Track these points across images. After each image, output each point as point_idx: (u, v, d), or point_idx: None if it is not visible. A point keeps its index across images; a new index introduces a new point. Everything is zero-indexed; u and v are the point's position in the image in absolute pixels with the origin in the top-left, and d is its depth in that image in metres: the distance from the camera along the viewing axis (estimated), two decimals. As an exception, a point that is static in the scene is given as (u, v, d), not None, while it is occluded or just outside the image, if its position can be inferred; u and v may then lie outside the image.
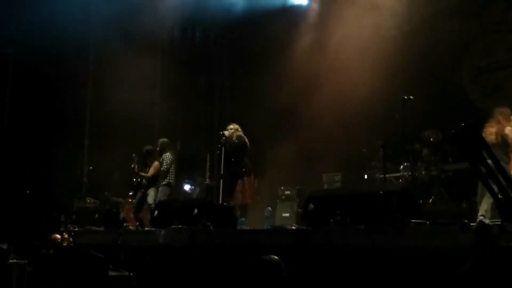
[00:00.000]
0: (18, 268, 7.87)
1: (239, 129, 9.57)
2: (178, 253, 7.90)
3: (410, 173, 9.91)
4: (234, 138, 9.47)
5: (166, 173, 10.76)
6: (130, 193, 11.49)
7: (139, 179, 10.72)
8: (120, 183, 13.21)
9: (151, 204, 10.28)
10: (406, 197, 6.09)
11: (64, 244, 8.83)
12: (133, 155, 10.80)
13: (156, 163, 10.72)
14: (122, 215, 10.86)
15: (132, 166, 10.73)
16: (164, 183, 10.73)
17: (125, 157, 12.85)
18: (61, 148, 13.96)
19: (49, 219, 11.12)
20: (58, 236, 8.94)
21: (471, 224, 5.52)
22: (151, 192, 10.61)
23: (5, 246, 8.12)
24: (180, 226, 8.10)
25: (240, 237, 7.38)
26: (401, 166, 10.18)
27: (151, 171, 10.66)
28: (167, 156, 10.79)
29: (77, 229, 10.12)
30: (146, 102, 14.61)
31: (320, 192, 7.64)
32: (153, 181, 10.66)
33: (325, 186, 11.12)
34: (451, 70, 11.04)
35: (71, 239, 9.08)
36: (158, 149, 10.99)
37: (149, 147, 10.93)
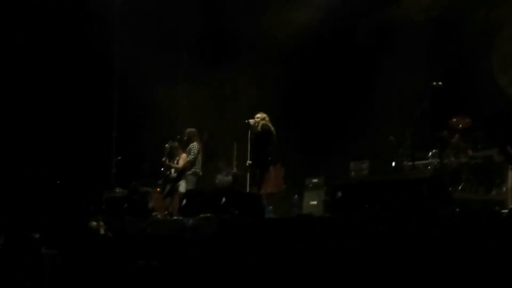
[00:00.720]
0: (50, 258, 7.96)
1: (267, 118, 9.54)
2: (206, 242, 7.91)
3: (438, 160, 9.78)
4: (259, 127, 9.46)
5: (192, 162, 10.81)
6: (159, 182, 11.54)
7: (168, 172, 10.78)
8: (149, 173, 13.27)
9: (182, 193, 10.33)
10: (435, 184, 6.00)
11: (102, 233, 8.93)
12: (166, 145, 10.87)
13: (184, 155, 10.76)
14: (150, 205, 10.92)
15: (163, 159, 10.79)
16: (190, 172, 10.79)
17: (153, 147, 12.94)
18: (90, 139, 14.10)
19: (80, 209, 11.25)
20: (94, 223, 9.05)
21: (502, 211, 5.42)
22: (183, 183, 10.68)
23: (37, 236, 8.22)
24: (208, 215, 8.11)
25: (268, 225, 7.36)
26: (430, 153, 10.05)
27: (181, 162, 10.73)
28: (194, 145, 10.85)
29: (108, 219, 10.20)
30: (173, 92, 14.65)
31: (347, 180, 7.59)
32: (183, 173, 10.72)
33: (352, 174, 11.05)
34: (480, 56, 10.85)
35: (106, 227, 9.18)
36: (185, 138, 11.04)
37: (174, 143, 10.95)
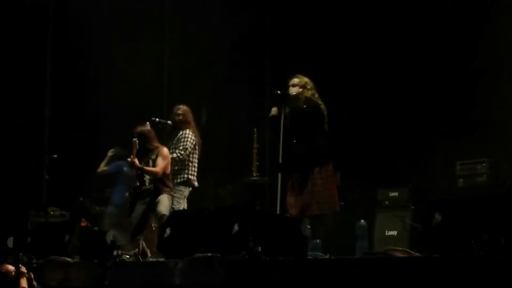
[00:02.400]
0: None
1: (309, 85, 9.49)
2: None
3: None
4: (300, 102, 9.44)
5: (183, 163, 10.82)
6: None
7: (138, 180, 10.75)
8: (106, 182, 13.34)
9: (164, 215, 10.34)
10: None
11: (23, 285, 9.00)
12: (134, 140, 10.80)
13: (164, 150, 10.74)
14: (111, 236, 10.98)
15: (130, 159, 10.72)
16: (180, 180, 10.84)
17: (113, 136, 12.98)
18: (6, 123, 14.21)
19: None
20: (11, 268, 9.10)
21: None
22: (164, 198, 10.66)
23: None
24: (209, 254, 8.16)
25: (315, 270, 7.39)
26: None
27: (159, 163, 10.67)
28: (186, 135, 10.88)
29: (35, 260, 10.26)
30: (150, 49, 14.75)
31: (451, 194, 7.57)
32: (164, 181, 10.72)
33: (461, 182, 11.05)
34: None
35: (32, 277, 9.23)
36: (169, 122, 11.04)
37: (144, 128, 10.90)
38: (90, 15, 14.44)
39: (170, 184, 10.75)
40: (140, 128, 10.79)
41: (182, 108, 11.12)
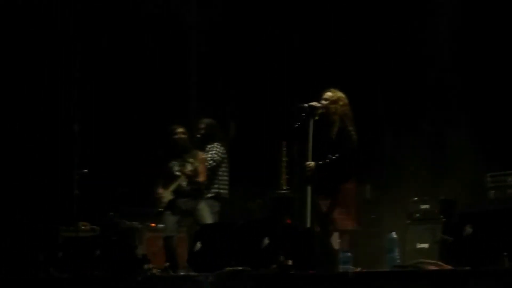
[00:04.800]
0: None
1: (342, 101, 9.41)
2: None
3: None
4: (335, 116, 9.40)
5: (211, 176, 10.82)
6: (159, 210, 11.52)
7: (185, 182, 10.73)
8: (135, 196, 13.36)
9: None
10: None
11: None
12: (177, 133, 10.87)
13: (200, 153, 10.71)
14: (140, 251, 11.00)
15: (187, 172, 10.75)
16: (210, 194, 10.81)
17: (142, 150, 13.01)
18: (35, 140, 14.26)
19: (20, 258, 11.35)
20: None
21: None
22: (204, 207, 10.64)
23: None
24: (240, 268, 8.16)
25: (346, 284, 7.38)
26: None
27: (202, 170, 10.63)
28: (216, 149, 10.86)
29: (66, 275, 10.32)
30: (174, 59, 14.76)
31: (483, 205, 7.51)
32: (203, 189, 10.75)
33: (492, 194, 10.98)
34: None
35: None
36: (198, 136, 11.02)
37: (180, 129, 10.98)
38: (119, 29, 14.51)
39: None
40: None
41: (204, 124, 11.13)
